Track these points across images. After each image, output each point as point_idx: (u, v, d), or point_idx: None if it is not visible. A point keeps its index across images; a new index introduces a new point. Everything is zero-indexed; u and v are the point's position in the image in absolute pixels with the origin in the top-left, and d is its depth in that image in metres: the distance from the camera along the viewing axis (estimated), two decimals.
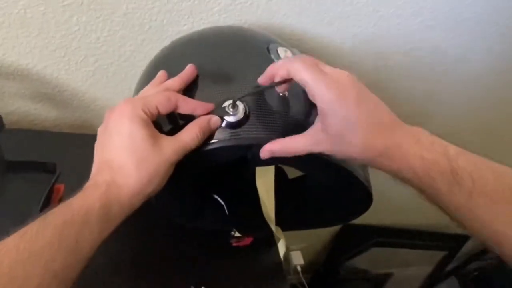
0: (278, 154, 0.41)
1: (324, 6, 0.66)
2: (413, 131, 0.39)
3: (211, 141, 0.42)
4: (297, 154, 0.40)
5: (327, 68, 0.39)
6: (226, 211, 0.52)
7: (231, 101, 0.41)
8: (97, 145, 0.41)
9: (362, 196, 0.49)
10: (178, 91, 0.44)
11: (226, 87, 0.44)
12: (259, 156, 0.42)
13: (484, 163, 0.37)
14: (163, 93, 0.41)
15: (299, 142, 0.41)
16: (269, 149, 0.41)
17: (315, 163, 0.44)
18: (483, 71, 0.87)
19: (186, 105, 0.42)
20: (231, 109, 0.41)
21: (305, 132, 0.41)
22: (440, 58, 0.81)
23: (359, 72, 0.78)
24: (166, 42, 0.66)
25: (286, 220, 0.54)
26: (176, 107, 0.41)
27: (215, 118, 0.41)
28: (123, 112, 0.39)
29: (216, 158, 0.44)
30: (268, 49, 0.49)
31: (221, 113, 0.42)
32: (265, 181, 0.50)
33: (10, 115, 0.73)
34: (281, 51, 0.49)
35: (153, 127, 0.40)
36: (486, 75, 0.88)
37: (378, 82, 0.84)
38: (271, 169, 0.51)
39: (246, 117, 0.41)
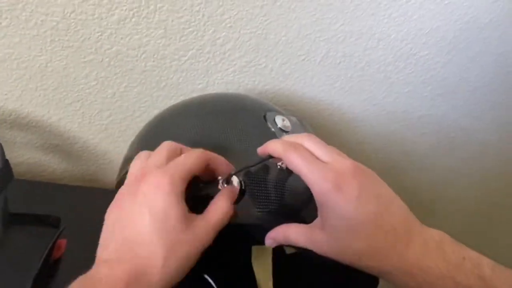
0: (280, 243, 0.37)
1: (336, 70, 0.68)
2: (434, 238, 0.33)
3: None
4: (294, 244, 0.36)
5: (328, 156, 0.35)
6: None
7: (225, 176, 0.37)
8: (117, 215, 0.34)
9: (367, 280, 0.44)
10: None
11: None
12: (255, 235, 0.39)
13: None
14: (194, 153, 0.36)
15: (298, 233, 0.36)
16: (274, 237, 0.37)
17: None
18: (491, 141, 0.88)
19: (216, 160, 0.37)
20: (225, 185, 0.37)
21: (306, 226, 0.36)
22: (448, 124, 0.82)
23: (364, 137, 0.79)
24: (180, 99, 0.67)
25: None
26: (207, 164, 0.36)
27: (235, 188, 0.37)
28: (160, 184, 0.32)
29: None
30: (265, 117, 0.47)
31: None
32: (262, 263, 0.46)
33: (18, 165, 0.72)
34: (278, 119, 0.47)
35: (184, 202, 0.33)
36: (492, 145, 0.89)
37: (385, 147, 0.84)
38: (269, 249, 0.46)
39: (241, 193, 0.37)
